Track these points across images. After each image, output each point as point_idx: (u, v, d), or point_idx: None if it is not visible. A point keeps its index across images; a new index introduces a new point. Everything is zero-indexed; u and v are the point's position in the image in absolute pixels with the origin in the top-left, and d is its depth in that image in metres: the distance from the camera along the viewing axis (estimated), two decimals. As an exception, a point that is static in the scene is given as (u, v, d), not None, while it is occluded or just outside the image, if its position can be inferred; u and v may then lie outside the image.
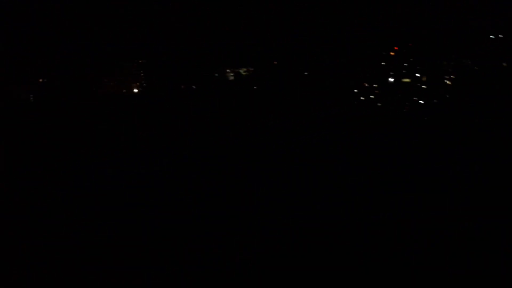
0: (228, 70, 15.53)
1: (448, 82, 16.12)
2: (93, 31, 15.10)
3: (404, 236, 6.99)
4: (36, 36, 14.93)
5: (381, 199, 8.83)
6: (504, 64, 15.86)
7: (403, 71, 16.56)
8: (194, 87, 15.24)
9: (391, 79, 16.72)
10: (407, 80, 16.52)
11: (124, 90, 15.91)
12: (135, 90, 15.81)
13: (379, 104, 16.72)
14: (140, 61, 15.76)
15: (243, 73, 15.67)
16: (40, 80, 15.62)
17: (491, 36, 15.63)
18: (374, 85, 16.82)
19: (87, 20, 14.81)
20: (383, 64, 16.74)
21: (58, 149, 13.20)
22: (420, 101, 16.21)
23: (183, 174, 10.97)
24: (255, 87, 15.59)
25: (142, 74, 15.87)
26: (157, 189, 9.98)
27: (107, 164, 11.86)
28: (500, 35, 15.63)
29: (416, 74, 16.43)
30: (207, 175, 10.85)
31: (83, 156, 12.57)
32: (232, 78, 15.56)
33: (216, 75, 15.50)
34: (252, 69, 15.65)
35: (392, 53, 16.69)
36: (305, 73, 16.06)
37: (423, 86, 16.33)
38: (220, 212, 8.31)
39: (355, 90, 16.89)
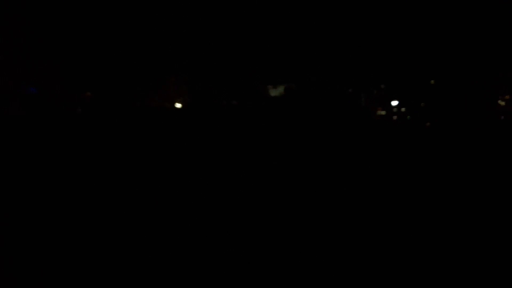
0: (270, 86, 15.46)
1: (501, 103, 15.36)
2: (139, 47, 15.48)
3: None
4: (84, 51, 15.45)
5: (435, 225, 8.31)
6: None
7: (454, 90, 15.91)
8: (235, 102, 15.26)
9: (441, 98, 16.09)
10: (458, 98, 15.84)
11: (168, 105, 16.14)
12: (178, 105, 16.02)
13: (427, 124, 16.12)
14: (184, 77, 15.99)
15: (285, 89, 15.55)
16: (88, 93, 16.11)
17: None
18: (421, 104, 16.25)
19: (133, 37, 15.20)
20: (432, 83, 16.17)
21: (103, 159, 13.46)
22: (471, 121, 15.50)
23: (224, 187, 10.86)
24: (297, 103, 15.42)
25: (185, 89, 16.08)
26: (204, 202, 9.84)
27: (151, 175, 11.95)
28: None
29: (467, 93, 15.72)
30: (248, 189, 10.67)
31: (128, 167, 12.74)
32: (274, 94, 15.47)
33: (258, 90, 15.47)
34: (294, 84, 15.49)
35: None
36: (349, 90, 15.74)
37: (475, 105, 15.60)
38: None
39: (402, 109, 16.37)
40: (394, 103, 16.54)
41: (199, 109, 16.25)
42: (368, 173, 12.03)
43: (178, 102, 16.12)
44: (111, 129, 16.39)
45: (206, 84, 15.85)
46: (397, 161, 13.28)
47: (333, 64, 15.56)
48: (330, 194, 10.42)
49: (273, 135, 15.10)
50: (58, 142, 14.54)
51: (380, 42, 15.77)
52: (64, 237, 7.45)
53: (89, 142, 14.99)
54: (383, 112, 16.15)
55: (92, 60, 15.71)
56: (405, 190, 10.74)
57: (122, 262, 6.33)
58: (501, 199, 9.52)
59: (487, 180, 11.13)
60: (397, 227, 8.16)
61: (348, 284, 5.62)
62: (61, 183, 11.21)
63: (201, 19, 14.91)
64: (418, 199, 9.94)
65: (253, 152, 13.73)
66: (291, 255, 6.58)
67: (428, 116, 15.91)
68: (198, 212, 8.95)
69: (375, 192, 10.57)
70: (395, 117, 16.19)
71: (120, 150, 14.22)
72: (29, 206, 9.18)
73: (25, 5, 15.03)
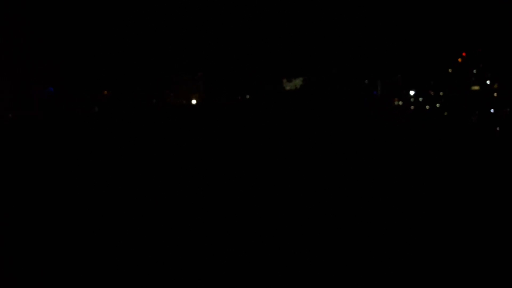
0: (284, 80, 15.39)
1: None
2: (155, 46, 15.58)
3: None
4: (102, 51, 15.62)
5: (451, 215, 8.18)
6: None
7: (472, 78, 15.59)
8: (247, 96, 15.24)
9: (458, 87, 15.79)
10: (476, 88, 15.54)
11: (184, 101, 16.22)
12: (194, 101, 16.07)
13: (445, 113, 15.84)
14: (198, 73, 16.04)
15: (300, 84, 15.46)
16: (105, 92, 16.29)
17: None
18: (440, 93, 15.97)
19: (149, 36, 15.32)
20: (449, 71, 15.86)
21: (120, 157, 13.59)
22: (490, 110, 15.17)
23: (242, 182, 10.84)
24: (312, 97, 15.32)
25: (200, 86, 16.14)
26: (222, 198, 9.84)
27: (169, 172, 12.03)
28: None
29: (486, 82, 15.40)
30: (265, 183, 10.64)
31: (145, 164, 12.83)
32: (288, 88, 15.40)
33: (272, 85, 15.42)
34: (308, 78, 15.39)
35: (459, 60, 15.78)
36: (366, 81, 15.57)
37: (494, 94, 15.27)
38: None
39: (420, 99, 16.13)
40: (411, 93, 16.29)
41: (213, 104, 16.29)
42: (383, 163, 11.89)
43: (194, 99, 16.16)
44: (128, 126, 16.56)
45: (220, 80, 15.86)
46: (413, 150, 13.10)
47: (349, 56, 15.38)
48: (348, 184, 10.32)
49: (286, 127, 15.03)
50: (75, 140, 14.75)
51: (396, 33, 15.53)
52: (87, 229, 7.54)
53: (106, 140, 15.18)
54: (400, 102, 15.93)
55: (109, 59, 15.87)
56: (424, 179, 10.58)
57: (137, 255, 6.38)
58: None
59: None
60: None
61: (348, 284, 5.57)
62: (79, 179, 11.33)
63: (213, 19, 14.93)
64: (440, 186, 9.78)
65: (266, 144, 13.70)
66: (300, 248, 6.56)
67: (446, 106, 15.63)
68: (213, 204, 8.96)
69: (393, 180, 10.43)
70: (412, 107, 15.96)
71: (137, 146, 14.35)
72: (45, 201, 9.31)
73: (41, 8, 15.25)
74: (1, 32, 14.89)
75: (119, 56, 15.64)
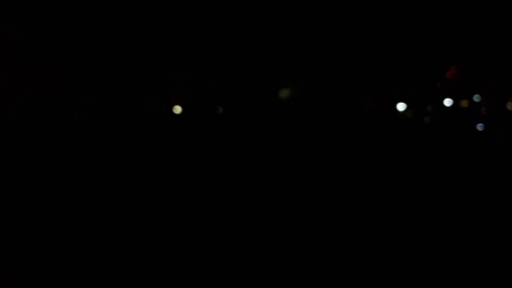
0: (278, 87, 15.23)
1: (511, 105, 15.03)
2: (141, 48, 15.46)
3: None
4: (87, 53, 15.44)
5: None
6: None
7: (461, 93, 15.61)
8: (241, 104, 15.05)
9: (447, 103, 15.80)
10: (465, 103, 15.56)
11: (168, 109, 16.06)
12: (179, 109, 15.93)
13: (433, 129, 15.83)
14: (186, 79, 15.89)
15: (293, 90, 15.33)
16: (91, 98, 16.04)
17: None
18: (427, 109, 15.97)
19: (134, 37, 15.22)
20: (438, 86, 15.88)
21: (106, 164, 13.34)
22: (478, 126, 15.21)
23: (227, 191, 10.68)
24: (304, 104, 15.21)
25: (187, 92, 15.98)
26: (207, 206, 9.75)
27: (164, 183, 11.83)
28: None
29: (475, 97, 15.44)
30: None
31: (131, 172, 12.60)
32: (282, 95, 15.27)
33: (264, 92, 15.29)
34: (302, 86, 15.28)
35: (448, 73, 15.83)
36: (354, 92, 15.49)
37: (482, 110, 15.31)
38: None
39: (409, 110, 16.09)
40: (401, 106, 16.19)
41: (202, 112, 16.05)
42: (371, 175, 11.82)
43: (180, 106, 15.87)
44: (113, 134, 16.28)
45: (209, 86, 15.64)
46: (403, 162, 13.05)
47: (340, 66, 15.25)
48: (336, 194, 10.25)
49: (280, 137, 14.84)
50: (58, 147, 14.43)
51: (388, 42, 15.45)
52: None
53: (90, 146, 14.88)
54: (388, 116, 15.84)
55: (93, 62, 15.58)
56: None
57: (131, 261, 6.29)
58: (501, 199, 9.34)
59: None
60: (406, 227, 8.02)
61: (348, 285, 5.53)
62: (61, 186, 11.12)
63: (203, 19, 14.76)
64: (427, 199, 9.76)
65: (258, 154, 13.51)
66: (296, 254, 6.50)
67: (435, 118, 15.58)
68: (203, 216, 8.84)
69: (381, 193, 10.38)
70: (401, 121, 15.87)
71: (123, 155, 14.09)
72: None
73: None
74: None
75: (104, 59, 15.41)
